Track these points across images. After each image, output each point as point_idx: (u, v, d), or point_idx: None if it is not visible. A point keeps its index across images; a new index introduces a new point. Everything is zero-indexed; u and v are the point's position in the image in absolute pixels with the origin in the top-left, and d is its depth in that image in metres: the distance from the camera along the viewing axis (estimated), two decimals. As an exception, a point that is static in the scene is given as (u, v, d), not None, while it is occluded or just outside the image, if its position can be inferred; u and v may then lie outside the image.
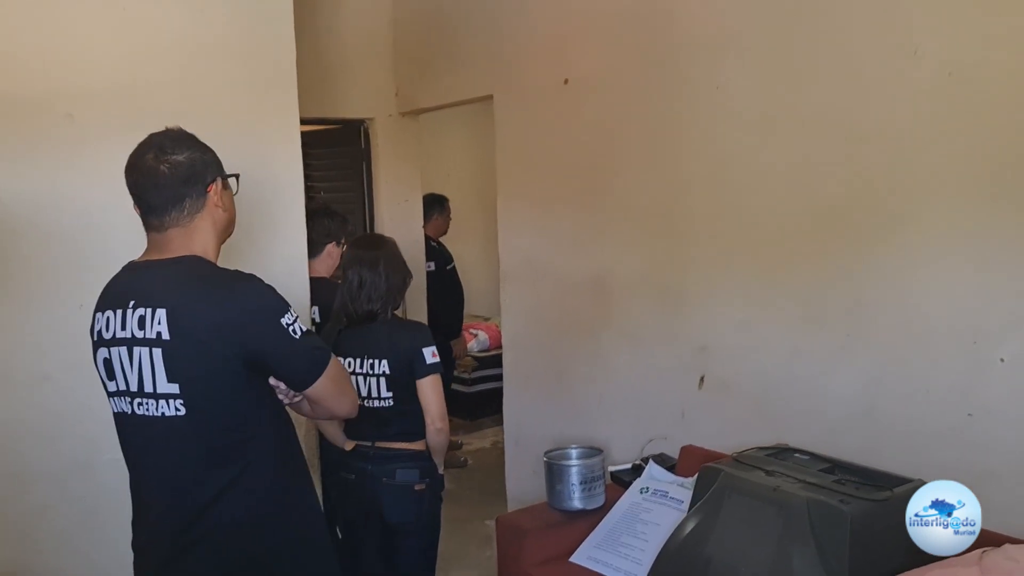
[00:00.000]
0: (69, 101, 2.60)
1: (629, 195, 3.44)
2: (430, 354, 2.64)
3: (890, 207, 2.53)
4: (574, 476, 2.92)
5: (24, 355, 2.61)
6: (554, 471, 2.95)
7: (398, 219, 5.08)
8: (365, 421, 2.42)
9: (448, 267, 5.51)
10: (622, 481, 3.09)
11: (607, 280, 3.57)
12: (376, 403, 2.65)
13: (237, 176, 1.93)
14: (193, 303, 1.72)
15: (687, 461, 3.01)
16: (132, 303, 1.74)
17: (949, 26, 2.36)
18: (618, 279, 3.52)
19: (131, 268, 1.83)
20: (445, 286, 5.40)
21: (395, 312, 2.77)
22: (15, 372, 2.60)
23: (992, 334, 2.31)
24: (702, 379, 3.16)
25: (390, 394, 2.65)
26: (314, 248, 3.29)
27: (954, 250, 2.39)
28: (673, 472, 2.99)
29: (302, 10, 4.48)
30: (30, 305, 2.62)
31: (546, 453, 3.03)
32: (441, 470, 2.79)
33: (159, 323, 1.70)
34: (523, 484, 4.06)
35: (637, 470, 3.09)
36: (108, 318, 1.78)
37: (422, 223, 5.25)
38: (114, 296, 1.81)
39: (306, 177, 5.44)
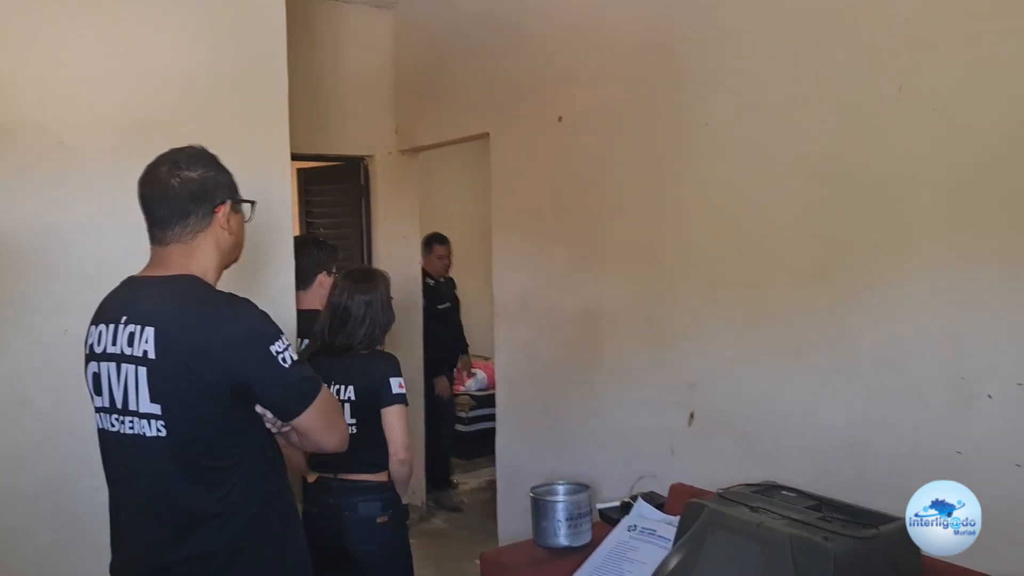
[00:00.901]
0: (60, 129, 2.63)
1: (619, 231, 3.44)
2: (397, 384, 2.62)
3: (877, 242, 2.52)
4: (560, 512, 2.87)
5: (4, 379, 2.60)
6: (540, 507, 2.91)
7: (396, 256, 5.10)
8: None
9: (440, 306, 5.53)
10: (610, 519, 3.05)
11: (598, 316, 3.56)
12: None
13: (252, 203, 1.91)
14: (181, 324, 1.70)
15: (676, 499, 2.95)
16: (124, 319, 1.73)
17: (933, 62, 2.37)
18: (608, 315, 3.51)
19: (129, 283, 1.82)
20: (437, 324, 5.44)
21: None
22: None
23: (979, 370, 2.29)
24: (692, 416, 3.13)
25: (354, 421, 2.62)
26: (306, 280, 3.27)
27: (940, 285, 2.38)
28: (662, 510, 2.94)
29: (305, 48, 4.57)
30: (12, 329, 2.61)
31: (532, 489, 2.99)
32: (405, 500, 2.76)
33: (147, 341, 1.68)
34: (515, 522, 4.00)
35: (626, 508, 3.04)
36: (101, 332, 1.77)
37: (420, 260, 5.27)
38: (109, 310, 1.79)
39: (306, 213, 5.53)
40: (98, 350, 1.77)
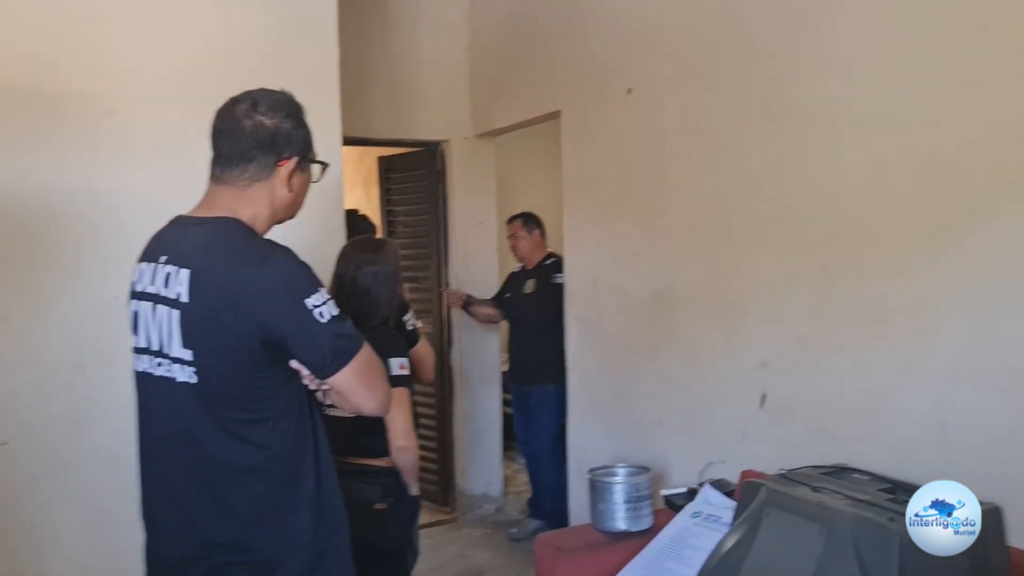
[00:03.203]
0: (112, 98, 2.66)
1: (688, 205, 3.28)
2: (397, 366, 2.40)
3: (965, 201, 2.29)
4: (618, 494, 2.74)
5: (59, 344, 2.64)
6: (597, 489, 2.78)
7: (472, 242, 5.02)
8: (332, 432, 2.20)
9: (504, 296, 4.83)
10: (675, 505, 2.89)
11: (667, 295, 3.40)
12: (335, 411, 2.29)
13: (324, 165, 1.84)
14: (215, 269, 1.63)
15: (746, 486, 2.78)
16: (164, 258, 1.69)
17: (1022, -1, 2.13)
18: (678, 293, 3.35)
19: (175, 222, 1.78)
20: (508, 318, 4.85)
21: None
22: (49, 361, 2.63)
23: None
24: (763, 397, 2.94)
25: None
26: None
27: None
28: (731, 498, 2.77)
29: (380, 32, 4.56)
30: (65, 295, 2.66)
31: (591, 470, 2.87)
32: (414, 491, 2.52)
33: (181, 284, 1.63)
34: (586, 508, 3.87)
35: (692, 494, 2.89)
36: (142, 270, 1.74)
37: (495, 246, 5.12)
38: (152, 248, 1.76)
39: (386, 201, 5.51)
40: (138, 289, 1.74)
